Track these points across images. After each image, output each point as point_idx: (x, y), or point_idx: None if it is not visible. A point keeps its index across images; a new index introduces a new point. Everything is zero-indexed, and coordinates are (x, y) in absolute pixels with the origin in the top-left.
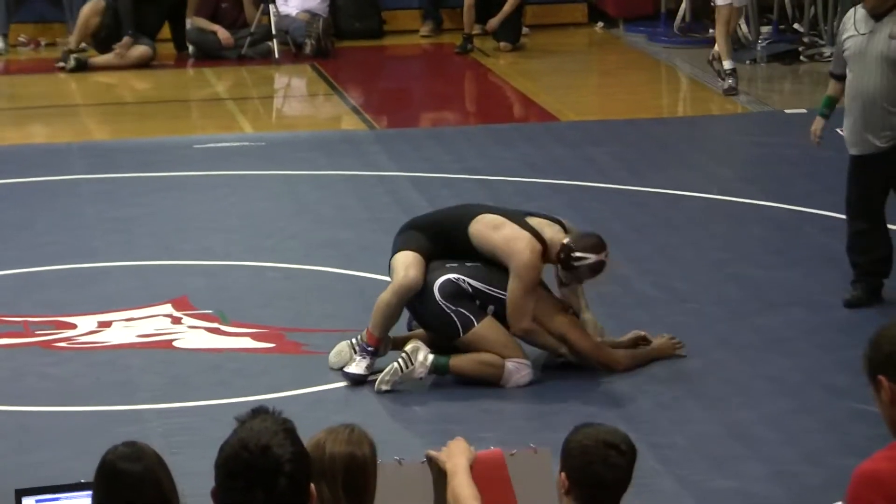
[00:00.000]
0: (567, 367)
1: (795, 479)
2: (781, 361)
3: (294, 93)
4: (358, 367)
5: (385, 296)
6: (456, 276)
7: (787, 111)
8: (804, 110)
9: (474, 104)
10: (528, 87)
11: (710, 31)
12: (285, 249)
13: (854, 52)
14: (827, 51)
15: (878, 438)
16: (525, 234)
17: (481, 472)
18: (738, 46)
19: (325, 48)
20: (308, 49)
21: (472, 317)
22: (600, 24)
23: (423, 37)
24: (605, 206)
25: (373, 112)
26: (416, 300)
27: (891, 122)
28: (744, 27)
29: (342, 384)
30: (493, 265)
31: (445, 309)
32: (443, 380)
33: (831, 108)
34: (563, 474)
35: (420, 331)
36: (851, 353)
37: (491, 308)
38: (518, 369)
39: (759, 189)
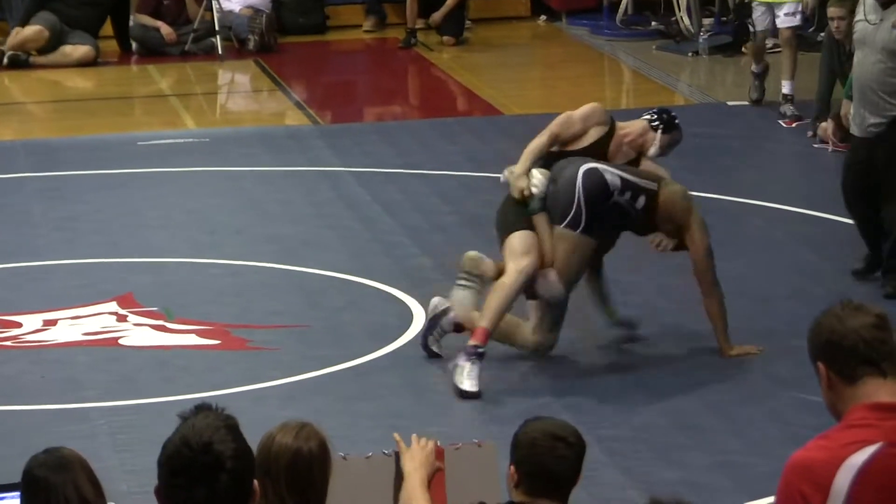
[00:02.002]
0: (513, 359)
1: (740, 469)
2: None
3: (238, 89)
4: (471, 379)
5: (507, 282)
6: (604, 166)
7: (729, 103)
8: (746, 102)
9: (418, 98)
10: (472, 81)
11: (653, 23)
12: (230, 245)
13: (860, 38)
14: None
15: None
16: None
17: None
18: (680, 38)
19: (269, 44)
20: (251, 45)
21: (582, 223)
22: (543, 17)
23: (367, 32)
24: None
25: (316, 107)
26: (552, 169)
27: (882, 109)
28: (686, 20)
29: (288, 380)
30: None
31: (575, 196)
32: (390, 376)
33: None
34: (512, 467)
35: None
36: (795, 343)
37: (641, 199)
38: (552, 278)
39: (702, 180)
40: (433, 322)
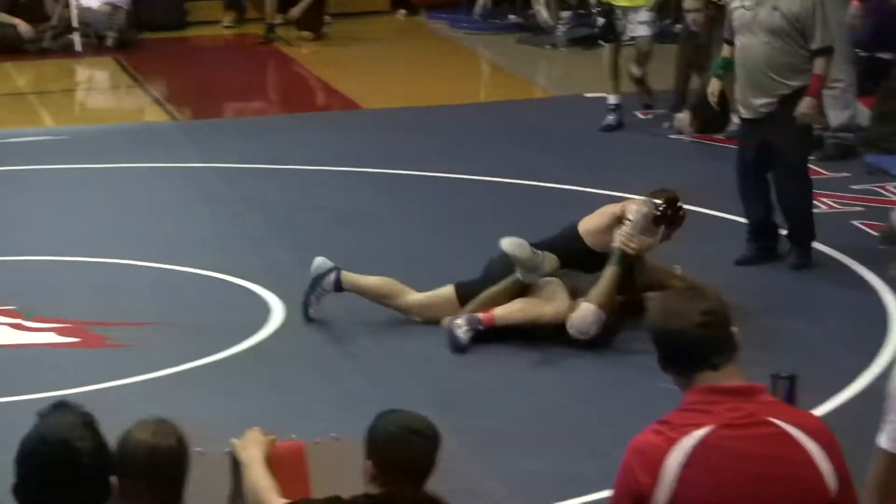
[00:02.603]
0: (375, 349)
1: (608, 460)
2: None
3: (97, 85)
4: (464, 334)
5: (545, 311)
6: None
7: (587, 95)
8: (604, 94)
9: (278, 94)
10: (332, 76)
11: (510, 16)
12: (91, 243)
13: (741, 24)
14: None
15: None
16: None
17: (279, 463)
18: (538, 31)
19: (128, 40)
20: (110, 41)
21: None
22: (402, 11)
23: (227, 27)
24: (412, 192)
25: (176, 103)
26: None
27: (772, 89)
28: (544, 13)
29: (147, 376)
30: None
31: None
32: (251, 371)
33: (725, 69)
34: (368, 461)
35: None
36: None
37: None
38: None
39: (572, 174)
40: (315, 282)
